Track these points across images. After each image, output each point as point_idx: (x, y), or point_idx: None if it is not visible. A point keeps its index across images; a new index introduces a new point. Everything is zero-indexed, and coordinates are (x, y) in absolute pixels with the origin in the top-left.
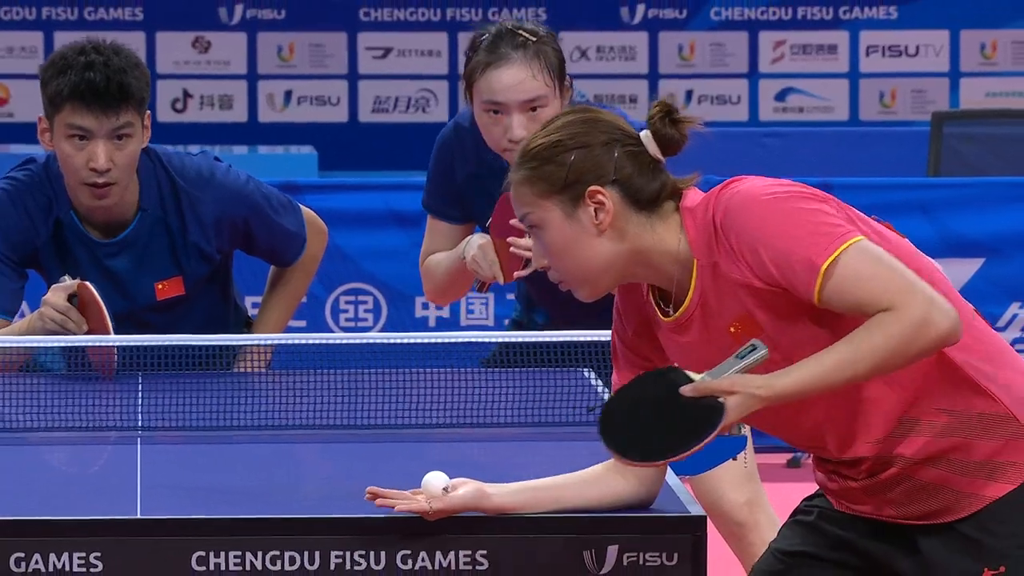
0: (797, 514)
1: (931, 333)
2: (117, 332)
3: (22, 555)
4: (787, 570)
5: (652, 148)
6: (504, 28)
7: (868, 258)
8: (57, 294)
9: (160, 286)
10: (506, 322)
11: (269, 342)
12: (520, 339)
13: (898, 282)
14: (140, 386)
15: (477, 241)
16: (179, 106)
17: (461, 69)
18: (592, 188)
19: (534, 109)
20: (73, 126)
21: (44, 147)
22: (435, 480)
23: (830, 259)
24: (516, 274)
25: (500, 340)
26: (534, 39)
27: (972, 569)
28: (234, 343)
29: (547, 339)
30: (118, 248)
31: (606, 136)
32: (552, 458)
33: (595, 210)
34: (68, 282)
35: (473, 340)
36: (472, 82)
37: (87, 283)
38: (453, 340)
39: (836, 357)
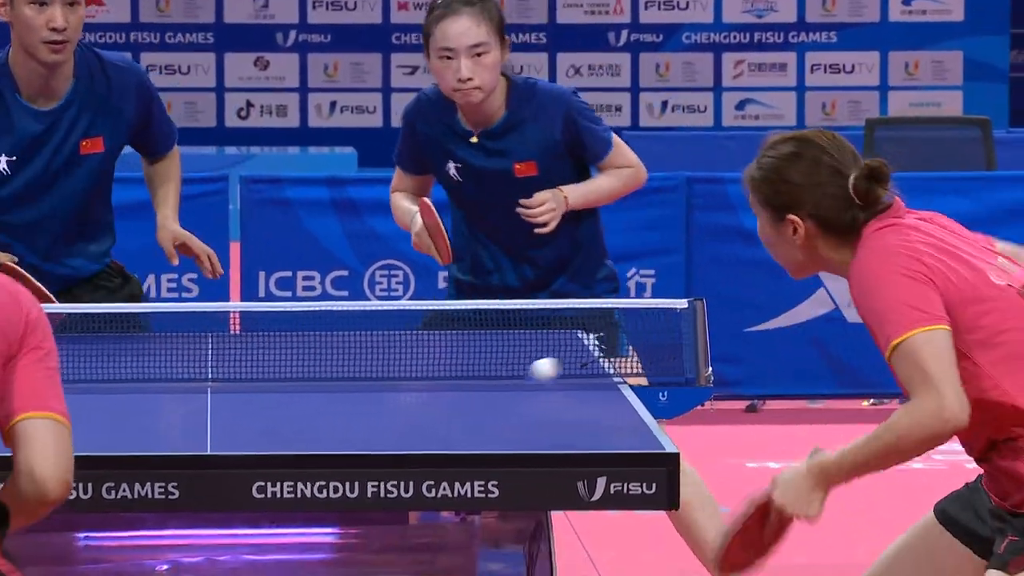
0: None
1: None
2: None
3: (112, 484)
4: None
5: (854, 197)
6: None
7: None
8: None
9: (85, 143)
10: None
11: (330, 307)
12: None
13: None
14: (210, 344)
15: (417, 223)
16: (243, 114)
17: None
18: (790, 216)
19: (479, 55)
20: None
21: (3, 18)
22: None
23: (896, 342)
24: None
25: (506, 307)
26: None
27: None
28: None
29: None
30: (56, 115)
31: (816, 177)
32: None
33: (792, 229)
34: None
35: (484, 307)
36: (429, 34)
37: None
38: (474, 307)
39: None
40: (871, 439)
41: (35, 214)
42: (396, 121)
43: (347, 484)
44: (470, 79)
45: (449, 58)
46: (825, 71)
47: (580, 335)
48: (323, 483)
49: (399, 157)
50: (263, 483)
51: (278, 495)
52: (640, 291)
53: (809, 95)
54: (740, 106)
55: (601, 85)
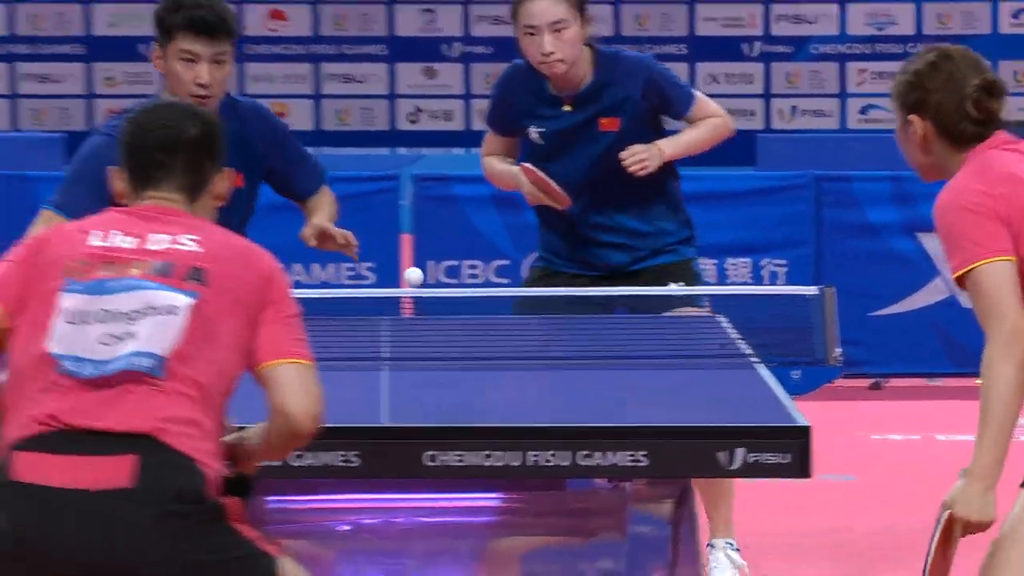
0: None
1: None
2: None
3: (299, 453)
4: None
5: (969, 107)
6: None
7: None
8: None
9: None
10: (530, 269)
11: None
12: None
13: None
14: (386, 326)
15: (525, 184)
16: (413, 119)
17: None
18: (912, 116)
19: (559, 31)
20: (185, 51)
21: (157, 69)
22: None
23: (958, 273)
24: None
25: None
26: None
27: None
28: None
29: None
30: None
31: (941, 84)
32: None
33: (914, 129)
34: None
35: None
36: (516, 15)
37: None
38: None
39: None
40: (983, 422)
41: None
42: None
43: (510, 454)
44: (552, 52)
45: (533, 34)
46: None
47: (719, 318)
48: (487, 452)
49: (490, 120)
50: (434, 452)
51: (447, 463)
52: (773, 279)
53: None
54: (863, 111)
55: (736, 92)
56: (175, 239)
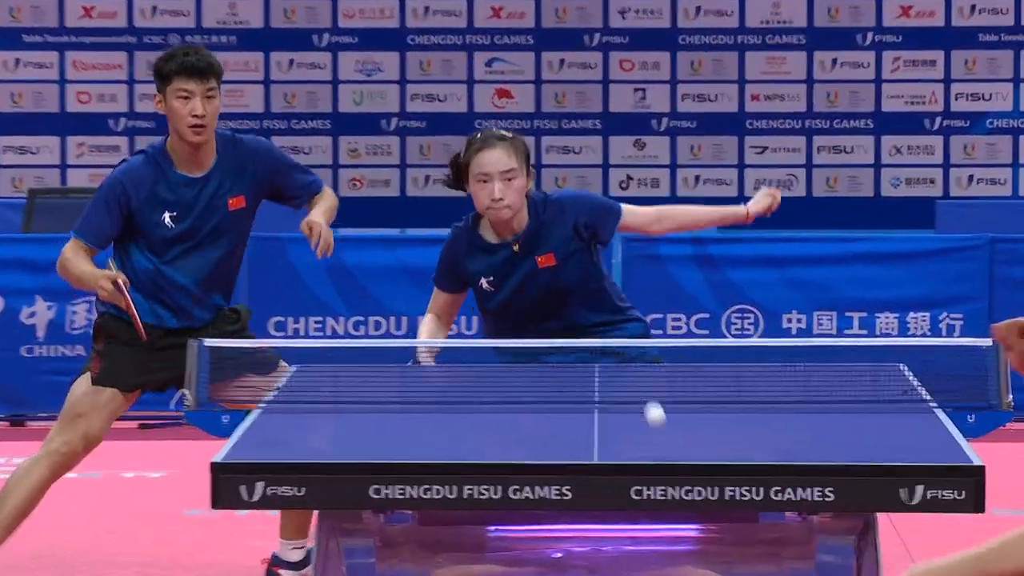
0: None
1: None
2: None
3: (517, 487)
4: None
5: None
6: (490, 130)
7: None
8: (108, 278)
9: (231, 201)
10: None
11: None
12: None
13: None
14: (597, 375)
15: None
16: (624, 185)
17: None
18: None
19: (510, 180)
20: (181, 90)
21: (160, 111)
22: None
23: None
24: None
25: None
26: (510, 136)
27: None
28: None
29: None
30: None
31: None
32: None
33: None
34: (114, 272)
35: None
36: (468, 163)
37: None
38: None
39: None
40: None
41: (192, 256)
42: (746, 191)
43: (709, 489)
44: (501, 199)
45: (485, 181)
46: None
47: (901, 367)
48: (689, 487)
49: (437, 279)
50: (640, 487)
51: (652, 496)
52: (950, 331)
53: None
54: None
55: (918, 162)
56: None
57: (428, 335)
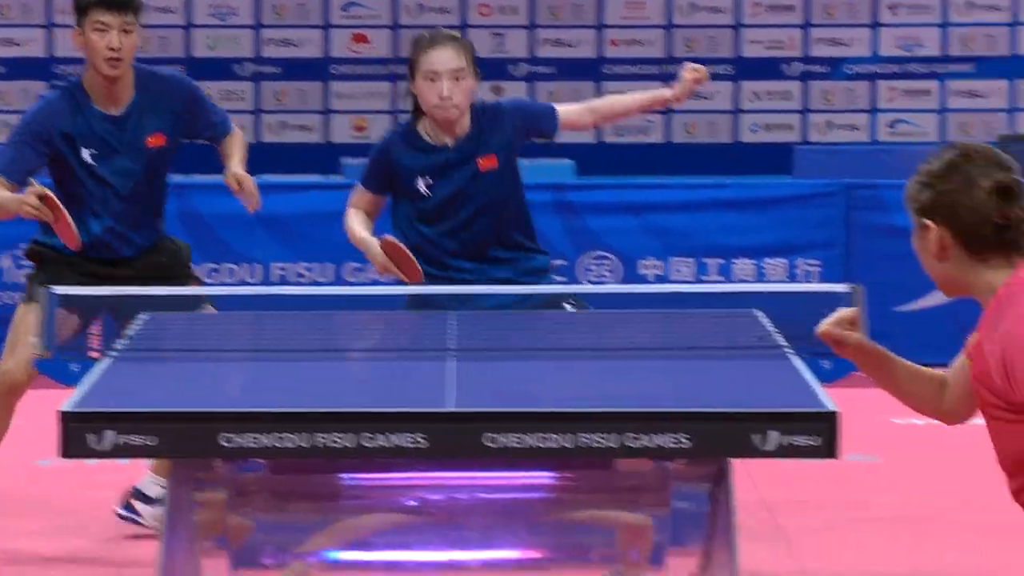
0: None
1: None
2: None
3: (370, 435)
4: None
5: (987, 211)
6: (439, 30)
7: None
8: (32, 194)
9: (150, 139)
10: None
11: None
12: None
13: None
14: (454, 319)
15: (378, 256)
16: None
17: None
18: (925, 220)
19: (458, 79)
20: (98, 22)
21: (76, 46)
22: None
23: None
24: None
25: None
26: (459, 37)
27: None
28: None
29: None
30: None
31: (955, 186)
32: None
33: (929, 236)
34: (37, 187)
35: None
36: (416, 60)
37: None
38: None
39: None
40: None
41: (111, 195)
42: (604, 137)
43: (563, 436)
44: (450, 97)
45: (433, 80)
46: (962, 96)
47: (758, 313)
48: (544, 435)
49: (365, 179)
50: (493, 435)
51: (506, 444)
52: (807, 278)
53: (950, 116)
54: (892, 125)
55: (776, 107)
56: None
57: (360, 225)
